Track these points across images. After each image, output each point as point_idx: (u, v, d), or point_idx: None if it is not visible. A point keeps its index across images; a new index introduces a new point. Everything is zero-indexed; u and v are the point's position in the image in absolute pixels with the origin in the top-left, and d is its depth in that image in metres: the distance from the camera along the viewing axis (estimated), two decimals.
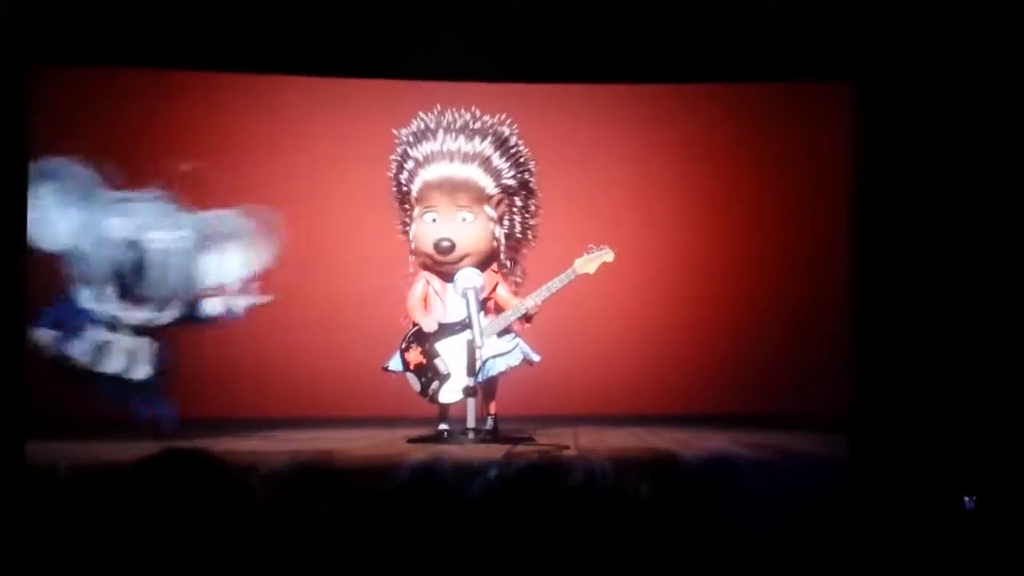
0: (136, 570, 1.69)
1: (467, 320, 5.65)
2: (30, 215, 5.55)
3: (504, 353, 5.79)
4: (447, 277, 5.91)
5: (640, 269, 6.83)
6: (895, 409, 4.87)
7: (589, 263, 5.82)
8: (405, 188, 6.07)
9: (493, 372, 5.79)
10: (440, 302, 5.91)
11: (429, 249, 5.91)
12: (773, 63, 5.54)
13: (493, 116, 6.03)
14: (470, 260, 5.90)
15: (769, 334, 7.25)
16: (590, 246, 5.83)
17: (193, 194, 5.85)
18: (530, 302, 5.75)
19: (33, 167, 5.57)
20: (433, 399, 5.87)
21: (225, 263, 5.95)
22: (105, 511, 1.72)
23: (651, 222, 7.16)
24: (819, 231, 6.89)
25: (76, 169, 5.64)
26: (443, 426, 5.83)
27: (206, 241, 5.87)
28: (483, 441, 5.64)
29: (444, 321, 5.86)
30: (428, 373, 5.83)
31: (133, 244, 5.61)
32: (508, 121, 6.02)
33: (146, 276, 5.59)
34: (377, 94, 6.99)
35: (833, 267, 5.88)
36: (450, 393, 5.81)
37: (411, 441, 5.69)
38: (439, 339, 5.83)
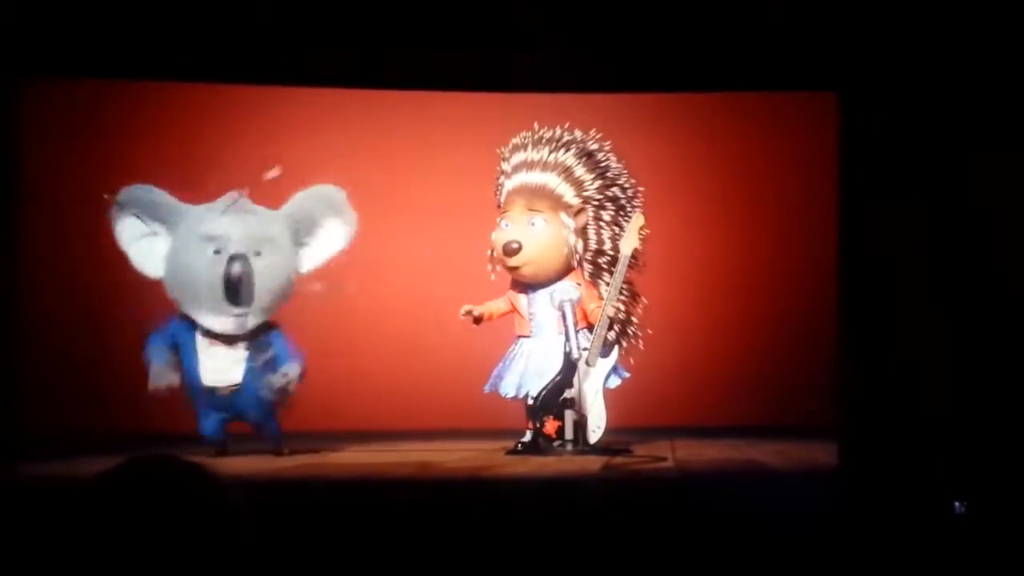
0: None
1: (565, 333, 5.70)
2: (130, 248, 5.64)
3: (612, 370, 5.82)
4: (532, 293, 5.95)
5: None
6: (885, 416, 4.78)
7: (629, 240, 5.77)
8: (498, 202, 6.13)
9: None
10: (526, 319, 5.96)
11: (500, 252, 5.94)
12: (759, 72, 5.46)
13: (587, 132, 6.06)
14: (535, 267, 5.90)
15: (757, 343, 7.14)
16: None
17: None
18: (610, 310, 5.73)
19: (116, 203, 5.61)
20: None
21: (326, 239, 5.90)
22: (67, 527, 1.67)
23: None
24: (806, 240, 6.79)
25: (146, 192, 5.67)
26: (528, 435, 5.79)
27: (299, 227, 5.83)
28: (581, 453, 5.67)
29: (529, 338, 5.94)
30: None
31: (225, 252, 5.58)
32: (599, 136, 6.04)
33: (245, 283, 5.57)
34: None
35: (821, 275, 5.75)
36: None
37: (509, 453, 5.76)
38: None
